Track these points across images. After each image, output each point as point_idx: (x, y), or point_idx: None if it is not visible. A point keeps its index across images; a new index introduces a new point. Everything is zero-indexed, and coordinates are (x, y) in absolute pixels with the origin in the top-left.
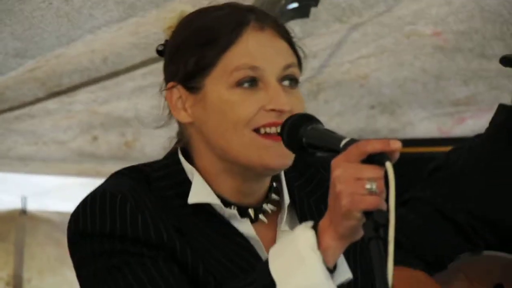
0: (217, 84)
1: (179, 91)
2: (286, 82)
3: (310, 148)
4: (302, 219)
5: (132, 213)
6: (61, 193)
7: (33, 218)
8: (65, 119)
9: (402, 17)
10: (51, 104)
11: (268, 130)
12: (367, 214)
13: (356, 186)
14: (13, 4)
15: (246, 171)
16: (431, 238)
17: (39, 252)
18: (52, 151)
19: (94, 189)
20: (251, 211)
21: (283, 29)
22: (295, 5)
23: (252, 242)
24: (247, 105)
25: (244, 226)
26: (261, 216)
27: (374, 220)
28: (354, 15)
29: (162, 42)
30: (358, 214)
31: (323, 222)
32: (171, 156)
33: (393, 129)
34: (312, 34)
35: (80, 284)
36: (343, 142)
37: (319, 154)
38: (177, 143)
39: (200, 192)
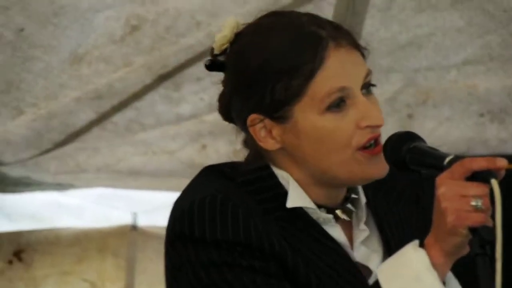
0: (308, 112)
1: (262, 121)
2: (364, 91)
3: (413, 165)
4: (377, 218)
5: (245, 219)
6: (170, 209)
7: (143, 233)
8: (173, 127)
9: (508, 10)
10: (159, 104)
11: (368, 145)
12: (473, 230)
13: (461, 203)
14: None
15: (342, 183)
16: None
17: (150, 266)
18: (161, 162)
19: (197, 192)
20: (339, 213)
21: (353, 38)
22: None
23: (344, 248)
24: (343, 129)
25: (336, 231)
26: (344, 216)
27: (481, 236)
28: None
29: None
30: (464, 231)
31: (428, 240)
32: (256, 163)
33: (503, 139)
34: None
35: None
36: (447, 159)
37: (422, 171)
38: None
39: (297, 197)
